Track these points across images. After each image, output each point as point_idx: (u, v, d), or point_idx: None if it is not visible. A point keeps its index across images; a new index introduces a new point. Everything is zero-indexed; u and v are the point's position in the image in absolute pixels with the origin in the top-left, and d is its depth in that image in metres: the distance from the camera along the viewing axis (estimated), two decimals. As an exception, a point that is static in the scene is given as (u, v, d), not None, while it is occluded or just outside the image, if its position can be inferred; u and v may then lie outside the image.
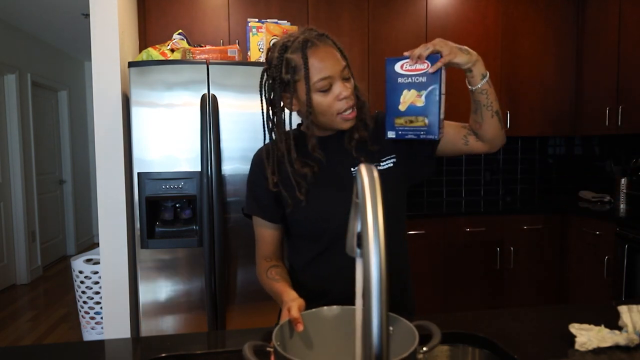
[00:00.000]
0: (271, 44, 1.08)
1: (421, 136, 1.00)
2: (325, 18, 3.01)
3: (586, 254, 2.90)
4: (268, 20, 2.51)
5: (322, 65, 0.99)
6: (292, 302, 0.85)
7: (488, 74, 1.02)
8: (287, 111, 1.07)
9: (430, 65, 0.97)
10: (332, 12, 3.03)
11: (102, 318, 2.68)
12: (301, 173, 1.06)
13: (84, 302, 2.79)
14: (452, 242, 2.95)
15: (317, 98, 1.01)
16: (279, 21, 2.54)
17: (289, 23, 2.60)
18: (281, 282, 1.02)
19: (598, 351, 0.93)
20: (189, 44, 2.45)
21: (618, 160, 3.31)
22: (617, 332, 0.96)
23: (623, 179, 3.03)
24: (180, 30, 2.53)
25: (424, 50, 0.96)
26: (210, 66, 2.18)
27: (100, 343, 1.12)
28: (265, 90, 1.07)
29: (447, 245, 2.95)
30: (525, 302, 3.07)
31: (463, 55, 0.98)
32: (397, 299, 1.14)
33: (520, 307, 3.22)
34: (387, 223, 0.49)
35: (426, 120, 0.99)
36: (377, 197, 0.50)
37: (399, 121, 1.01)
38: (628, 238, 2.56)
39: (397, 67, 0.99)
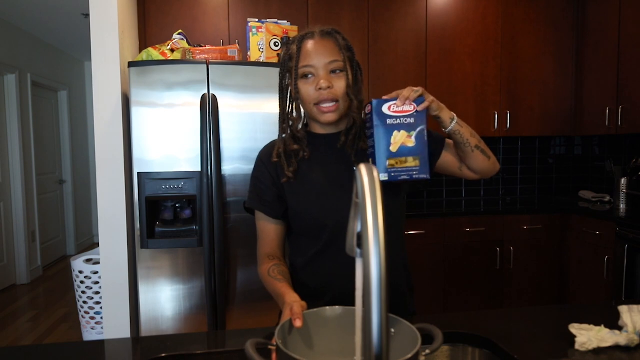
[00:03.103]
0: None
1: (414, 176, 1.01)
2: (325, 18, 3.01)
3: (586, 254, 2.90)
4: (268, 20, 2.51)
5: (308, 53, 1.04)
6: (294, 302, 0.85)
7: (455, 115, 1.08)
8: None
9: (416, 106, 1.00)
10: (332, 12, 3.03)
11: (102, 318, 2.67)
12: (290, 149, 1.11)
13: (84, 302, 2.79)
14: (452, 242, 2.95)
15: (300, 85, 1.06)
16: (279, 21, 2.54)
17: (289, 23, 2.60)
18: (283, 282, 1.02)
19: (598, 351, 0.93)
20: (189, 44, 2.44)
21: (618, 160, 3.32)
22: (617, 332, 0.96)
23: (623, 179, 3.03)
24: (180, 30, 2.53)
25: (413, 92, 1.00)
26: (210, 66, 2.18)
27: (100, 343, 1.12)
28: (279, 78, 1.13)
29: (447, 245, 2.95)
30: (525, 302, 3.07)
31: (436, 103, 1.04)
32: (397, 300, 1.14)
33: (520, 307, 3.21)
34: (387, 224, 0.49)
35: (418, 160, 1.01)
36: (377, 197, 0.50)
37: (391, 162, 1.01)
38: (628, 238, 2.56)
39: (385, 109, 1.00)
